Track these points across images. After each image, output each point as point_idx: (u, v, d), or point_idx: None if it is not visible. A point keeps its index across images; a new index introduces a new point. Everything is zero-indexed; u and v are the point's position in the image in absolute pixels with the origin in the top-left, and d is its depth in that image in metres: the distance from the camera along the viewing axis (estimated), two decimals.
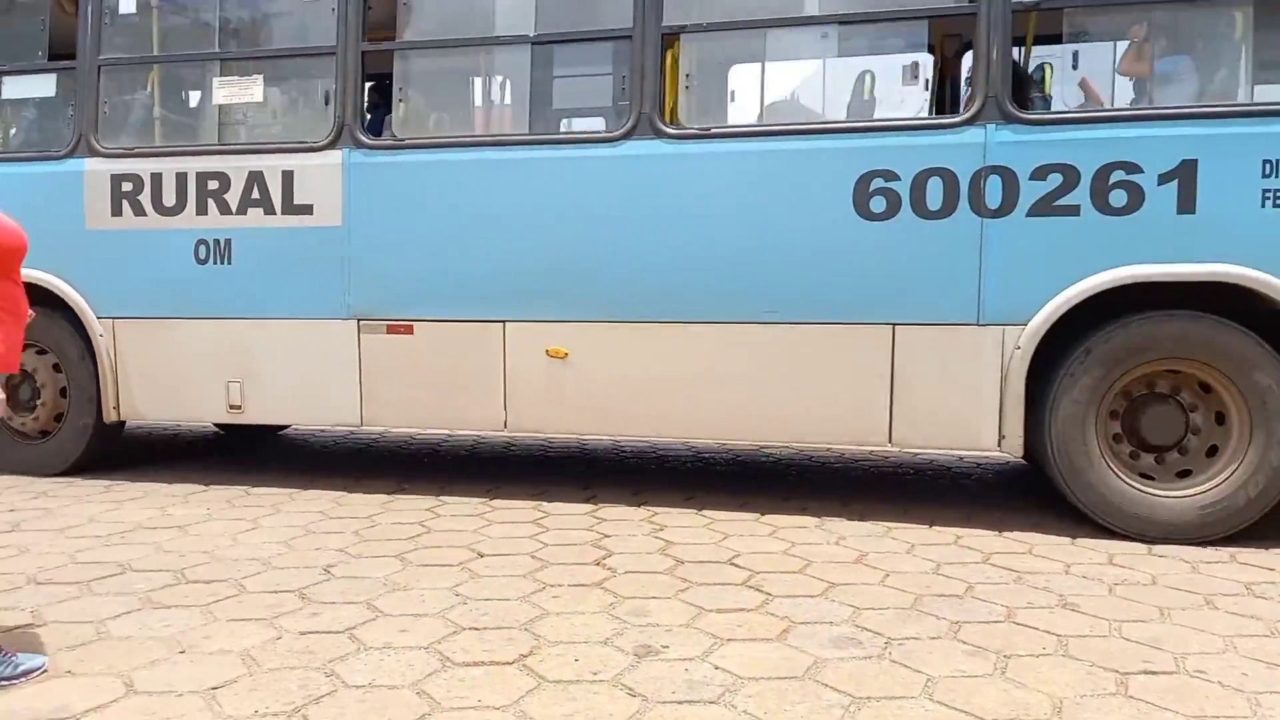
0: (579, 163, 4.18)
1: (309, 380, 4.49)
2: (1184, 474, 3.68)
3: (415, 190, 4.32)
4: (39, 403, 4.86)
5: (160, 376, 4.68)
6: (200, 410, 4.72)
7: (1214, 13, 3.89)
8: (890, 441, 3.94)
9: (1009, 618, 2.77)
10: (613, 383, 4.16)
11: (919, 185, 3.77)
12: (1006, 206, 3.70)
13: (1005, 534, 3.77)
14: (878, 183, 3.82)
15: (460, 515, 4.03)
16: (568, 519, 3.97)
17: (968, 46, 4.16)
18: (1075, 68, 4.31)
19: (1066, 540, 3.67)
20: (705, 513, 4.09)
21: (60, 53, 4.85)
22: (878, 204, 3.83)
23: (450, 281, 4.30)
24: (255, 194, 4.48)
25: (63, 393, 4.85)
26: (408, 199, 4.32)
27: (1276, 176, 3.48)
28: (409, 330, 4.35)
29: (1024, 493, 4.63)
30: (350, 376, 4.45)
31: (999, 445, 3.81)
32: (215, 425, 6.20)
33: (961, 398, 3.81)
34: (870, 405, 3.90)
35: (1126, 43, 4.10)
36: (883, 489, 4.66)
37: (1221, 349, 3.54)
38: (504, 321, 4.25)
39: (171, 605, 2.83)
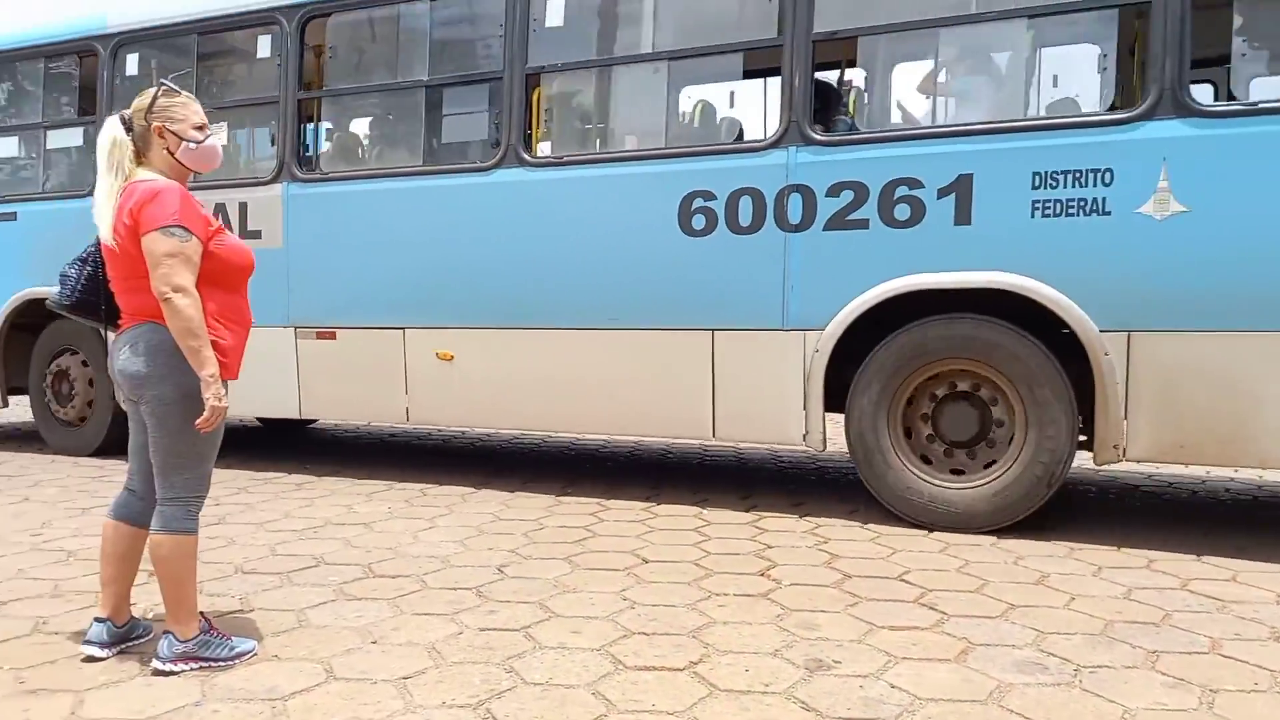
0: (458, 190, 4.73)
1: (261, 379, 4.89)
2: (990, 465, 3.89)
3: (336, 217, 5.00)
4: (74, 394, 5.83)
5: None
6: None
7: (993, 35, 4.04)
8: (714, 436, 4.31)
9: (1214, 649, 2.57)
10: (490, 381, 4.68)
11: (732, 204, 4.13)
12: (806, 221, 4.00)
13: (1204, 559, 3.50)
14: (698, 202, 4.19)
15: (623, 521, 4.09)
16: (729, 528, 3.97)
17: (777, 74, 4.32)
18: (870, 90, 4.56)
19: (1277, 568, 3.37)
20: (870, 526, 3.99)
21: None
22: (698, 221, 4.20)
23: (362, 293, 4.94)
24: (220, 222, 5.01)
25: (90, 385, 5.81)
26: (331, 224, 5.00)
27: (1045, 188, 3.64)
28: (333, 336, 5.04)
29: (1224, 514, 4.28)
30: (291, 375, 5.14)
31: (803, 441, 4.10)
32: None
33: (772, 397, 4.13)
34: (696, 403, 4.27)
35: (920, 65, 4.36)
36: (1066, 507, 4.42)
37: (995, 350, 3.77)
38: (403, 328, 4.85)
39: (362, 598, 3.01)
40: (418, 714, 2.14)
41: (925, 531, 3.88)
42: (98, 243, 2.46)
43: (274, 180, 5.14)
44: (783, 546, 3.66)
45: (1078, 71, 4.15)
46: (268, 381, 5.10)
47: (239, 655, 2.43)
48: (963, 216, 3.77)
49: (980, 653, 2.54)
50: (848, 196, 3.93)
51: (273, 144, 5.34)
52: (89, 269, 2.48)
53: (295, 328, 5.11)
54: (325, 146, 5.53)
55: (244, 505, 4.38)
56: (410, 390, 4.86)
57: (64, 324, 5.77)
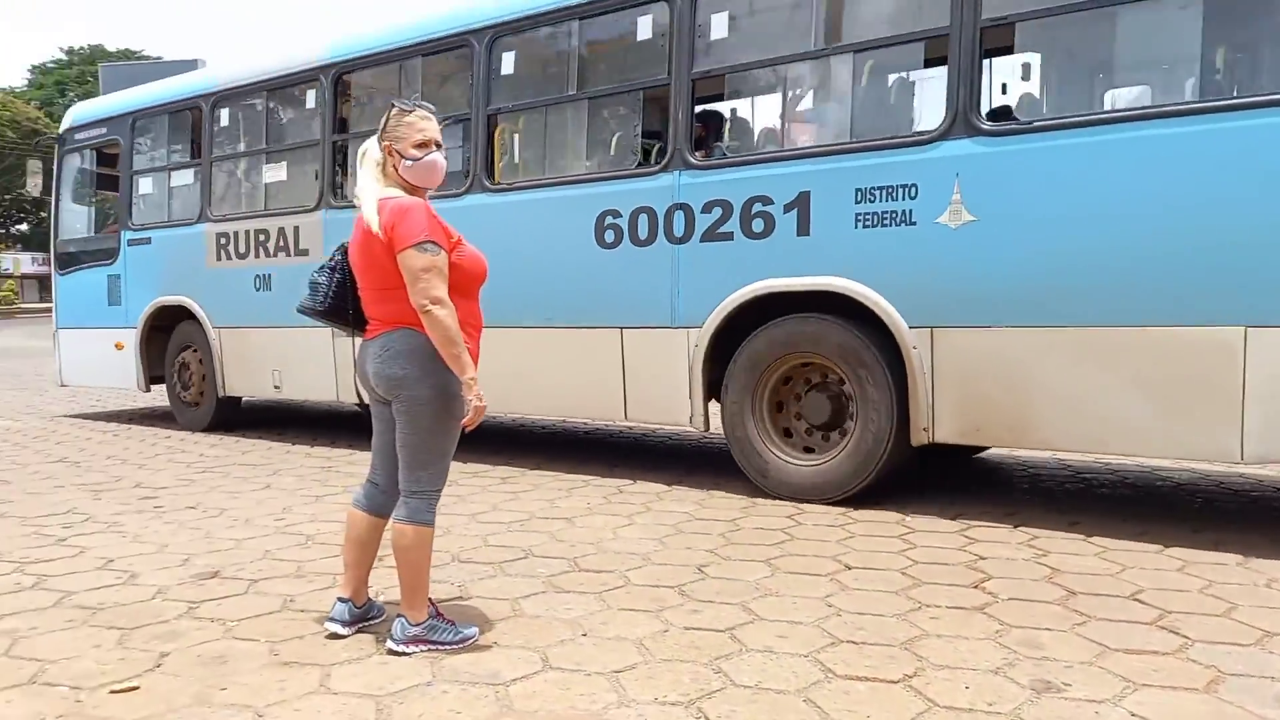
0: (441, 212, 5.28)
1: (310, 369, 6.34)
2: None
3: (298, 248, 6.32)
4: (192, 382, 7.23)
5: (240, 366, 6.84)
6: (263, 389, 6.82)
7: (826, 68, 4.67)
8: (625, 418, 5.04)
9: None
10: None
11: (634, 221, 4.86)
12: (687, 235, 4.68)
13: None
14: (610, 219, 4.94)
15: (821, 525, 4.01)
16: (936, 536, 3.81)
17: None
18: (735, 121, 5.41)
19: None
20: (1094, 540, 3.72)
21: None
22: (609, 236, 4.95)
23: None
24: (281, 242, 6.46)
25: (203, 377, 7.13)
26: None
27: (865, 202, 4.16)
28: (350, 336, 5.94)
29: None
30: (329, 366, 6.22)
31: (689, 423, 4.74)
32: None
33: (667, 385, 4.80)
34: (613, 391, 4.99)
35: (773, 97, 5.18)
36: None
37: (833, 344, 4.33)
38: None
39: (570, 590, 3.11)
40: (632, 708, 2.18)
41: (1159, 548, 3.58)
42: (344, 252, 2.67)
43: (315, 209, 6.29)
44: (997, 558, 3.47)
45: (893, 97, 4.77)
46: (315, 371, 6.36)
47: (463, 640, 2.57)
48: (803, 228, 4.35)
49: (1234, 683, 2.30)
50: (718, 213, 4.59)
51: (316, 178, 6.37)
52: (338, 277, 2.68)
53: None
54: (347, 182, 6.38)
55: (456, 497, 4.62)
56: None
57: (187, 326, 7.21)
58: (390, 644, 2.53)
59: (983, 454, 5.69)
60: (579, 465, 5.52)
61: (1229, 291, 3.43)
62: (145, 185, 7.58)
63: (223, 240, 6.82)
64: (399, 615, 2.56)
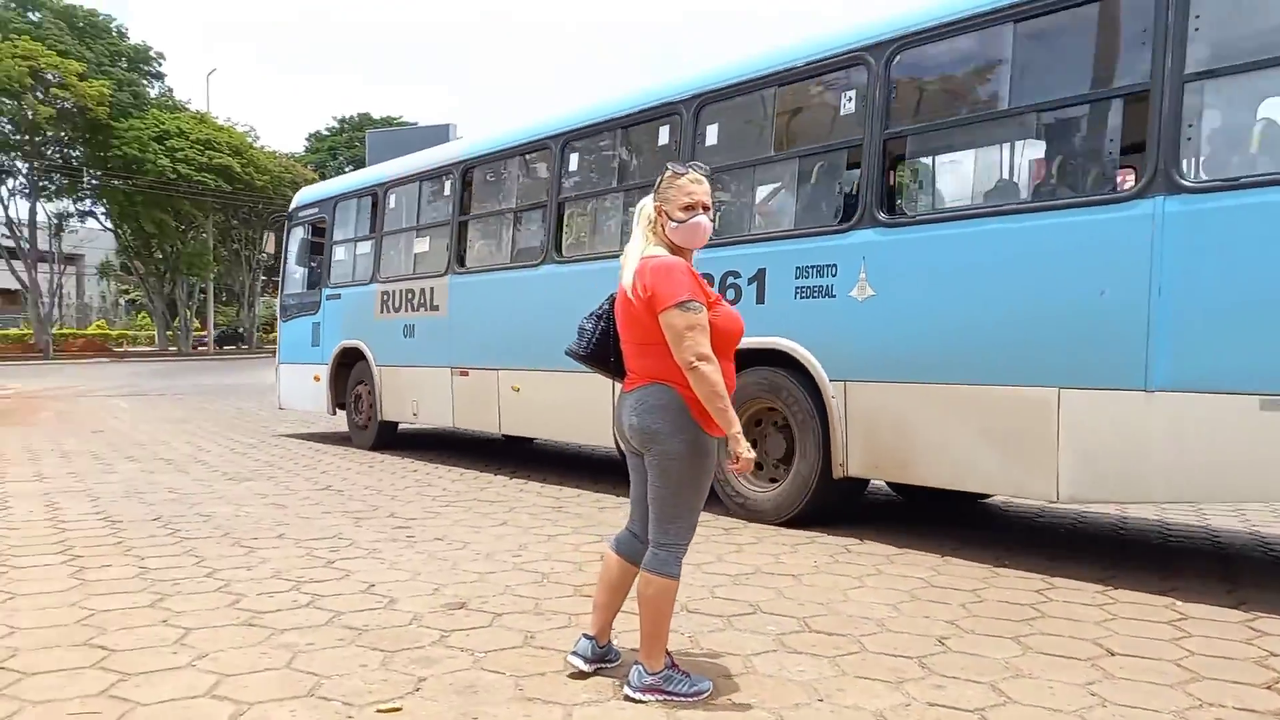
0: (521, 280, 7.10)
1: (435, 399, 7.93)
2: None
3: (470, 295, 7.62)
4: (363, 409, 8.94)
5: (392, 397, 8.52)
6: (405, 416, 8.45)
7: (771, 172, 5.72)
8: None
9: None
10: (535, 404, 6.91)
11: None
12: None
13: None
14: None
15: (1075, 603, 3.69)
16: (1214, 625, 3.40)
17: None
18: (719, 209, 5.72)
19: None
20: None
21: None
22: None
23: (479, 348, 7.44)
24: (421, 300, 8.05)
25: (370, 405, 8.81)
26: (473, 301, 7.58)
27: (803, 278, 5.07)
28: (466, 374, 7.56)
29: None
30: (448, 399, 7.75)
31: None
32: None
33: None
34: (602, 419, 6.02)
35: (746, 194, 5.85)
36: None
37: (781, 391, 5.20)
38: (497, 370, 7.20)
39: (802, 651, 3.03)
40: None
41: None
42: (612, 302, 2.78)
43: (444, 274, 7.98)
44: None
45: (824, 196, 5.44)
46: (438, 402, 7.88)
47: (698, 693, 2.56)
48: (760, 298, 5.28)
49: None
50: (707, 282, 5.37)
51: (446, 250, 7.95)
52: (602, 325, 2.79)
53: (451, 368, 7.70)
54: (465, 254, 7.94)
55: None
56: (501, 411, 7.23)
57: (361, 365, 8.85)
58: (628, 690, 2.57)
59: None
60: (797, 520, 5.41)
61: (1046, 358, 4.11)
62: (339, 253, 9.48)
63: (385, 297, 8.54)
64: (636, 662, 2.59)
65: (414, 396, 8.21)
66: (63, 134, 41.46)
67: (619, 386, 2.78)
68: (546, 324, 6.41)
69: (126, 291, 64.70)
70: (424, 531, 4.95)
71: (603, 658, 2.78)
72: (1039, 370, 4.11)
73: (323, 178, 51.22)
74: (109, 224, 48.72)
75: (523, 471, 7.43)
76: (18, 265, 43.57)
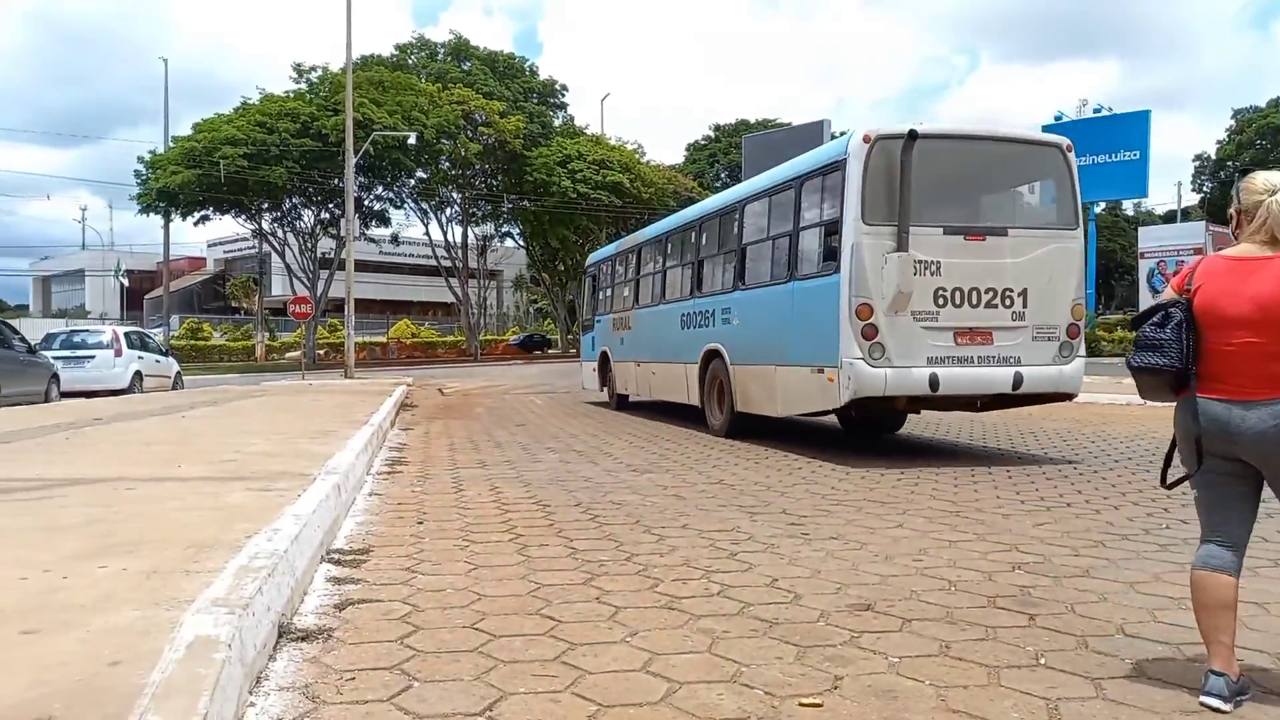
0: (654, 312, 12.88)
1: (633, 381, 13.94)
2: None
3: (638, 321, 13.79)
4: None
5: (621, 380, 14.56)
6: (625, 391, 14.41)
7: (708, 240, 11.30)
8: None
9: None
10: (656, 381, 12.75)
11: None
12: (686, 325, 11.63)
13: None
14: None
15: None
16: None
17: None
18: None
19: None
20: None
21: None
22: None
23: (642, 350, 13.41)
24: (624, 323, 14.48)
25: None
26: (639, 324, 13.72)
27: (724, 313, 10.16)
28: (639, 365, 13.58)
29: None
30: (634, 380, 13.85)
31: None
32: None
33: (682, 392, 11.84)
34: (679, 390, 11.78)
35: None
36: None
37: (720, 369, 10.08)
38: (647, 362, 13.13)
39: None
40: None
41: None
42: (1187, 307, 2.56)
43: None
44: None
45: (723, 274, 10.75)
46: (633, 383, 13.85)
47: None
48: (714, 324, 10.39)
49: None
50: (700, 315, 10.99)
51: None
52: (1187, 335, 2.55)
53: (635, 362, 13.66)
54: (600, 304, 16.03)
55: (1107, 560, 4.22)
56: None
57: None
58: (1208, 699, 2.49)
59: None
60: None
61: (775, 353, 8.89)
62: (600, 295, 15.99)
63: (614, 322, 14.87)
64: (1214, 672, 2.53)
65: (625, 379, 14.26)
66: (487, 165, 47.81)
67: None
68: (664, 338, 12.25)
69: (535, 300, 73.07)
70: (818, 530, 4.98)
71: (1240, 691, 2.53)
72: (771, 357, 8.98)
73: (702, 186, 53.78)
74: (522, 242, 55.28)
75: (910, 473, 7.21)
76: (454, 282, 50.97)
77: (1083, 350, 8.03)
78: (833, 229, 7.90)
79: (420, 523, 5.20)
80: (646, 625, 3.23)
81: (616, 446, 9.23)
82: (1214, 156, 72.16)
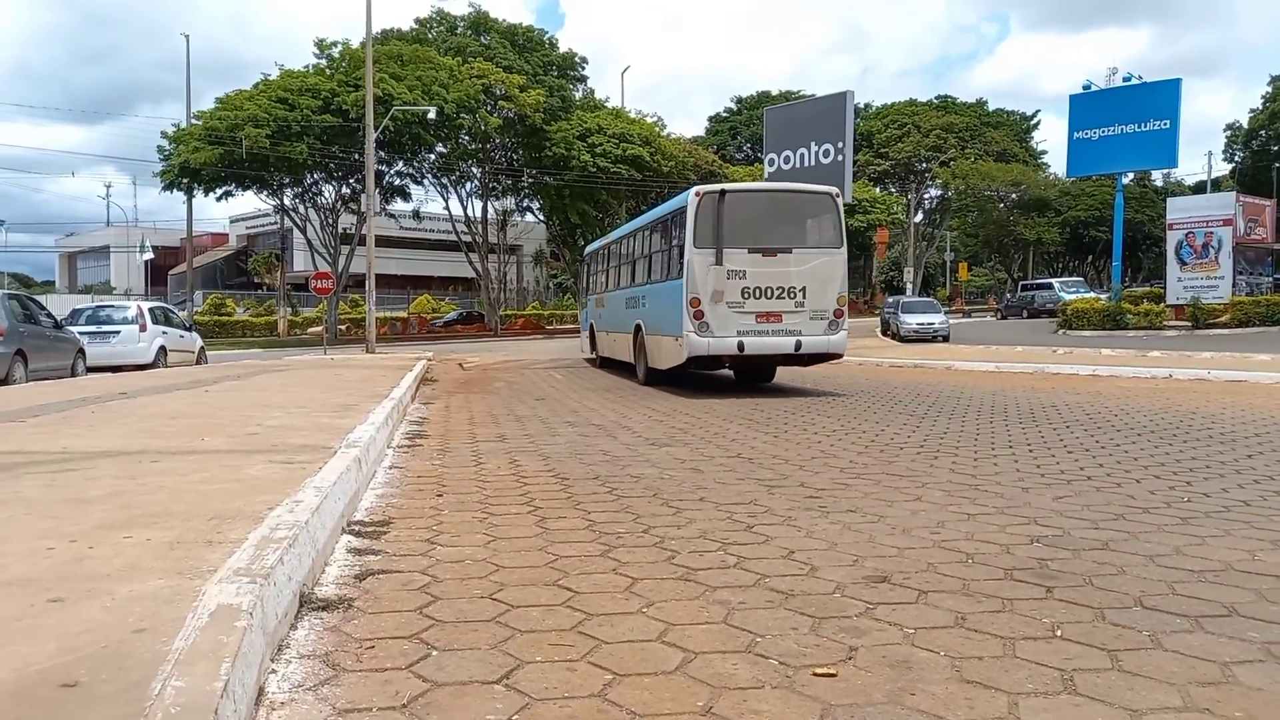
0: (612, 297, 18.21)
1: (603, 346, 18.59)
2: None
3: (604, 303, 18.53)
4: (594, 351, 19.53)
5: (599, 345, 18.93)
6: (603, 354, 18.65)
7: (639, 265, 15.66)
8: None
9: None
10: (616, 346, 17.35)
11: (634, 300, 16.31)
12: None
13: None
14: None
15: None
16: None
17: None
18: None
19: None
20: None
21: None
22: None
23: (608, 323, 18.23)
24: (599, 303, 19.34)
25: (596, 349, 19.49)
26: (606, 305, 18.46)
27: (644, 300, 14.32)
28: (607, 334, 18.31)
29: None
30: (603, 346, 18.51)
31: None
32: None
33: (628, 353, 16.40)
34: (626, 352, 16.26)
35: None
36: None
37: (642, 334, 14.55)
38: (610, 332, 17.82)
39: None
40: None
41: None
42: None
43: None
44: None
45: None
46: (603, 348, 18.70)
47: None
48: (639, 307, 14.65)
49: None
50: (626, 301, 16.05)
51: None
52: None
53: (604, 331, 18.38)
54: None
55: (1127, 534, 4.19)
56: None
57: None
58: None
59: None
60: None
61: (660, 326, 13.08)
62: (589, 279, 20.68)
63: (596, 302, 19.05)
64: None
65: (601, 345, 18.22)
66: (507, 140, 47.69)
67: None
68: (618, 315, 16.14)
69: (555, 275, 73.03)
70: (835, 503, 4.98)
71: None
72: (660, 330, 12.98)
73: (723, 159, 53.33)
74: (541, 217, 55.10)
75: (929, 446, 7.18)
76: (474, 257, 50.94)
77: (845, 325, 12.11)
78: (680, 250, 12.10)
79: (440, 495, 5.25)
80: (663, 596, 3.25)
81: (636, 420, 9.24)
82: (1246, 126, 70.76)
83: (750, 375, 13.98)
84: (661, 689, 2.44)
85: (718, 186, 12.11)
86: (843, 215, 12.23)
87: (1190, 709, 2.30)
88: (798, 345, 11.74)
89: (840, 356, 12.64)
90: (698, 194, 11.82)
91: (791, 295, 11.65)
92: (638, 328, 14.29)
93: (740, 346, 11.58)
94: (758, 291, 11.60)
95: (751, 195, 12.87)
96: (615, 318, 16.65)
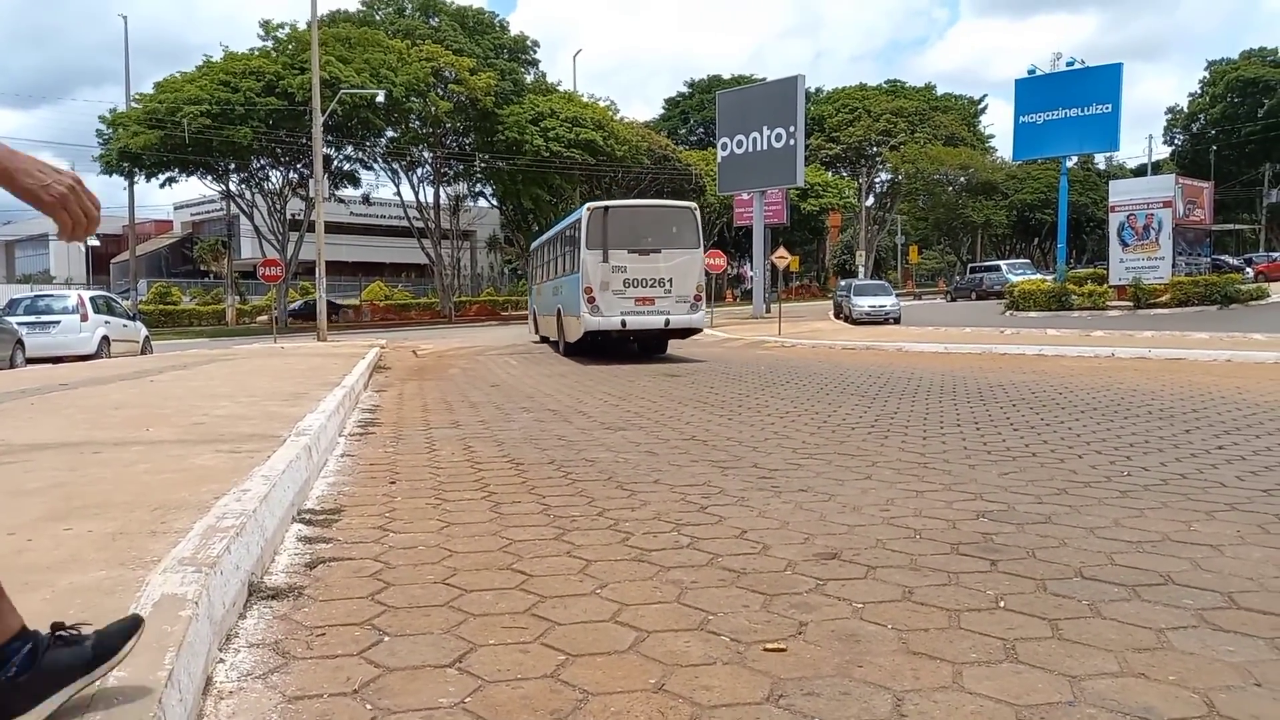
0: (545, 286, 23.58)
1: (541, 327, 22.45)
2: None
3: (541, 291, 22.70)
4: (538, 333, 23.39)
5: (538, 326, 22.87)
6: (542, 334, 22.48)
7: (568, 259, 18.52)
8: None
9: None
10: (549, 327, 21.68)
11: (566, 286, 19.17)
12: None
13: None
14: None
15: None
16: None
17: None
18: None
19: None
20: None
21: None
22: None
23: (542, 307, 22.05)
24: (539, 292, 23.10)
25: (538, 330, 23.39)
26: (542, 292, 22.54)
27: (562, 289, 17.83)
28: (545, 316, 21.66)
29: None
30: (543, 327, 22.10)
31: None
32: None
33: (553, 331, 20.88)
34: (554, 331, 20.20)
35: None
36: None
37: (564, 315, 18.16)
38: (542, 315, 22.68)
39: (1230, 630, 2.67)
40: None
41: None
42: None
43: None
44: None
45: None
46: (541, 328, 23.09)
47: None
48: (559, 294, 18.50)
49: None
50: (555, 288, 19.67)
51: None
52: None
53: (539, 314, 22.71)
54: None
55: (1069, 508, 4.30)
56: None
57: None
58: None
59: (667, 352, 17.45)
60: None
61: (569, 309, 16.77)
62: (532, 270, 24.96)
63: (537, 291, 23.12)
64: None
65: (539, 325, 21.61)
66: (458, 124, 47.12)
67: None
68: (547, 300, 20.03)
69: (509, 261, 72.48)
70: (788, 483, 5.04)
71: None
72: (569, 311, 16.65)
73: (676, 143, 53.25)
74: (495, 202, 54.62)
75: (880, 426, 7.29)
76: (426, 244, 50.38)
77: (704, 307, 16.34)
78: (578, 251, 15.68)
79: (393, 482, 5.21)
80: (616, 578, 3.27)
81: (591, 405, 9.24)
82: (1186, 110, 72.45)
83: (647, 348, 17.55)
84: (614, 668, 2.46)
85: (604, 203, 16.34)
86: (700, 223, 16.19)
87: (1126, 674, 2.37)
88: (667, 322, 15.61)
89: (700, 331, 17.02)
90: (589, 209, 15.75)
91: (661, 285, 15.45)
92: (558, 310, 17.89)
93: (623, 323, 15.37)
94: (636, 282, 15.39)
95: (630, 209, 16.97)
96: (546, 303, 20.39)
